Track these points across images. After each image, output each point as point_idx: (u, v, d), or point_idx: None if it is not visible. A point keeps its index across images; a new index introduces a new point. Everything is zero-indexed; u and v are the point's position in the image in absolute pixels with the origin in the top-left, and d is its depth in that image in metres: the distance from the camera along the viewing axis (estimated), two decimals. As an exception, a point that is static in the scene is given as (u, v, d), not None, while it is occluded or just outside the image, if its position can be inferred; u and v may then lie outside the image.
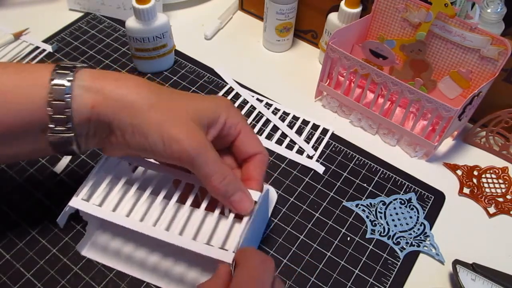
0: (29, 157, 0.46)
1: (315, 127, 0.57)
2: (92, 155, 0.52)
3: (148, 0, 0.55)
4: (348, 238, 0.47)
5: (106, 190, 0.40)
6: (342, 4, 0.58)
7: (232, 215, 0.38)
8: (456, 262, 0.44)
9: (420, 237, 0.48)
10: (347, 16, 0.57)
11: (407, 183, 0.52)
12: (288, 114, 0.58)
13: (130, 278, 0.42)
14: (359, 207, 0.50)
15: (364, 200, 0.50)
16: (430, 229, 0.48)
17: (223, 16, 0.71)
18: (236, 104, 0.59)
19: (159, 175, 0.41)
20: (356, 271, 0.45)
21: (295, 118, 0.58)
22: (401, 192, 0.51)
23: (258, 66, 0.65)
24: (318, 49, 0.66)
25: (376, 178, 0.52)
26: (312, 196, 0.50)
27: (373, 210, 0.49)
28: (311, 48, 0.68)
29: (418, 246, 0.47)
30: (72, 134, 0.35)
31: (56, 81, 0.34)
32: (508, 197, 0.52)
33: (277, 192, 0.50)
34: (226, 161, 0.41)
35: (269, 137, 0.56)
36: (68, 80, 0.34)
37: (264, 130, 0.56)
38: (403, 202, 0.50)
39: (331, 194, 0.51)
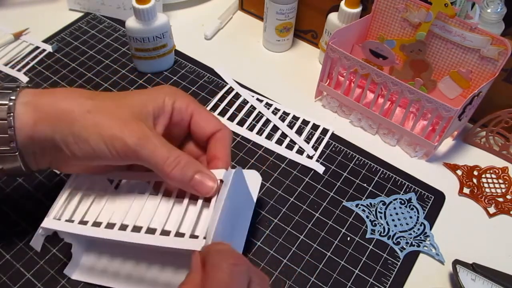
0: None
1: (315, 127, 0.57)
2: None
3: (148, 0, 0.55)
4: (348, 238, 0.47)
5: (77, 205, 0.39)
6: (342, 4, 0.58)
7: (200, 201, 0.36)
8: (456, 262, 0.44)
9: (420, 237, 0.48)
10: (347, 16, 0.57)
11: (407, 183, 0.52)
12: (288, 114, 0.58)
13: (130, 278, 0.42)
14: (359, 207, 0.50)
15: (364, 200, 0.50)
16: (430, 229, 0.48)
17: (223, 16, 0.71)
18: (236, 104, 0.59)
19: (130, 182, 0.40)
20: (356, 271, 0.45)
21: (295, 118, 0.58)
22: (401, 192, 0.51)
23: (258, 66, 0.65)
24: (318, 49, 0.66)
25: (376, 178, 0.52)
26: (312, 196, 0.50)
27: (373, 210, 0.49)
28: (311, 48, 0.68)
29: (418, 246, 0.47)
30: (17, 153, 0.35)
31: None
32: (508, 197, 0.52)
33: (277, 192, 0.50)
34: (189, 150, 0.40)
35: (269, 137, 0.56)
36: (11, 99, 0.34)
37: (264, 130, 0.56)
38: (403, 202, 0.50)
39: (331, 194, 0.51)
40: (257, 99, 0.60)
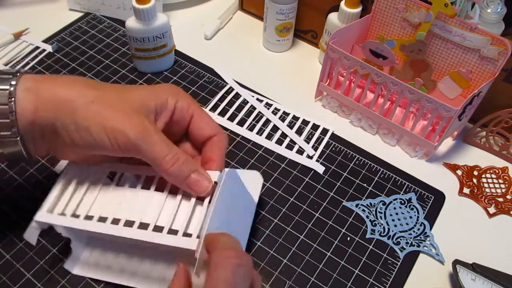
0: None
1: (315, 127, 0.57)
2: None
3: (148, 0, 0.55)
4: (348, 238, 0.47)
5: (70, 198, 0.39)
6: (342, 4, 0.58)
7: (193, 199, 0.36)
8: (456, 262, 0.44)
9: (420, 237, 0.48)
10: (347, 16, 0.57)
11: (407, 183, 0.52)
12: (288, 114, 0.58)
13: (130, 278, 0.42)
14: (359, 207, 0.50)
15: (364, 200, 0.50)
16: (430, 229, 0.48)
17: (223, 16, 0.71)
18: (236, 104, 0.59)
19: (124, 174, 0.40)
20: (356, 271, 0.45)
21: (295, 118, 0.58)
22: (401, 192, 0.51)
23: (258, 66, 0.65)
24: (318, 49, 0.66)
25: (376, 178, 0.52)
26: (312, 196, 0.50)
27: (373, 210, 0.49)
28: (311, 48, 0.68)
29: (418, 246, 0.47)
30: (18, 138, 0.35)
31: None
32: (508, 197, 0.52)
33: (277, 192, 0.50)
34: (185, 149, 0.41)
35: (269, 137, 0.56)
36: (11, 84, 0.34)
37: (264, 130, 0.56)
38: (403, 202, 0.50)
39: (331, 194, 0.51)
40: (257, 99, 0.60)
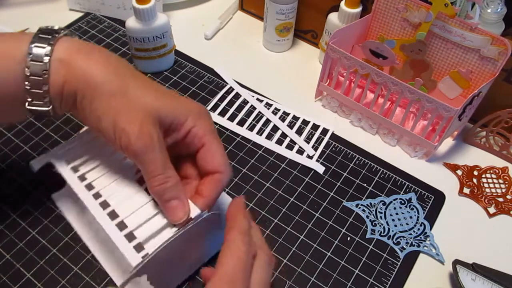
0: (4, 122, 0.45)
1: (315, 127, 0.57)
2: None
3: (148, 0, 0.55)
4: (348, 238, 0.47)
5: (84, 157, 0.41)
6: (342, 4, 0.58)
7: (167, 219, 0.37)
8: (456, 262, 0.44)
9: (420, 237, 0.48)
10: (347, 16, 0.57)
11: (407, 183, 0.52)
12: (288, 114, 0.58)
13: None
14: (359, 207, 0.50)
15: (364, 200, 0.50)
16: (430, 229, 0.48)
17: (223, 16, 0.71)
18: (236, 104, 0.59)
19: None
20: (356, 271, 0.45)
21: (295, 118, 0.58)
22: (401, 192, 0.51)
23: (258, 66, 0.65)
24: (318, 49, 0.66)
25: (376, 178, 0.52)
26: (312, 196, 0.50)
27: (373, 210, 0.49)
28: (311, 48, 0.68)
29: (418, 246, 0.47)
30: (50, 108, 0.35)
31: (34, 55, 0.34)
32: (508, 197, 0.52)
33: (277, 192, 0.50)
34: (186, 170, 0.40)
35: (269, 137, 0.56)
36: (46, 55, 0.34)
37: (264, 130, 0.56)
38: (403, 202, 0.50)
39: (331, 194, 0.51)
40: (257, 99, 0.60)
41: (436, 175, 0.53)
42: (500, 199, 0.52)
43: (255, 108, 0.59)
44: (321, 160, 0.54)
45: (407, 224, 0.49)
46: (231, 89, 0.61)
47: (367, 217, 0.49)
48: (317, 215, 0.49)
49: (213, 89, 0.61)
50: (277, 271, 0.44)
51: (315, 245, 0.46)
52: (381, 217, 0.49)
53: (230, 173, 0.39)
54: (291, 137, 0.56)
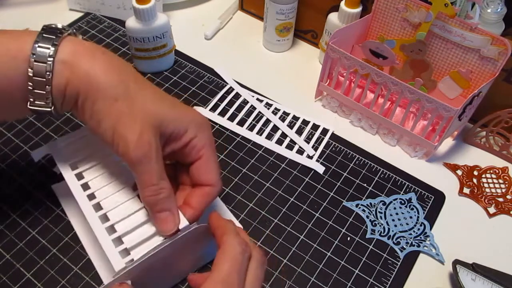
0: (5, 119, 0.45)
1: (315, 127, 0.57)
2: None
3: (148, 0, 0.55)
4: (348, 238, 0.47)
5: (84, 153, 0.41)
6: (342, 4, 0.58)
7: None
8: (456, 262, 0.44)
9: (420, 237, 0.48)
10: (347, 16, 0.57)
11: (407, 183, 0.52)
12: (288, 114, 0.58)
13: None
14: (359, 207, 0.50)
15: (364, 200, 0.50)
16: (430, 229, 0.48)
17: (223, 16, 0.71)
18: (236, 104, 0.59)
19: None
20: (356, 271, 0.45)
21: (295, 118, 0.58)
22: (401, 192, 0.51)
23: (258, 66, 0.65)
24: (318, 49, 0.66)
25: (376, 178, 0.52)
26: (312, 196, 0.50)
27: (373, 210, 0.49)
28: (311, 48, 0.68)
29: (418, 246, 0.47)
30: (52, 108, 0.35)
31: (37, 55, 0.33)
32: (508, 197, 0.52)
33: (277, 192, 0.50)
34: (182, 177, 0.40)
35: (269, 137, 0.56)
36: (50, 55, 0.34)
37: (264, 130, 0.56)
38: (403, 202, 0.50)
39: (331, 194, 0.51)
40: (257, 99, 0.60)
41: (436, 175, 0.53)
42: (500, 199, 0.52)
43: (255, 108, 0.59)
44: (321, 160, 0.54)
45: (407, 224, 0.49)
46: (231, 89, 0.61)
47: (367, 217, 0.49)
48: (317, 215, 0.49)
49: (213, 89, 0.61)
50: (277, 271, 0.44)
51: (315, 245, 0.46)
52: (381, 217, 0.49)
53: (221, 187, 0.39)
54: (291, 137, 0.56)
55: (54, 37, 0.34)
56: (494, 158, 0.56)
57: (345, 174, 0.53)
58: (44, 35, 0.34)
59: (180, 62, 0.64)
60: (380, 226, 0.48)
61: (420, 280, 0.45)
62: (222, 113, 0.58)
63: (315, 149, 0.55)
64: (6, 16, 0.69)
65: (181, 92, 0.60)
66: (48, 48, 0.34)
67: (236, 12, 0.74)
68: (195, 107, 0.58)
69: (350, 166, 0.53)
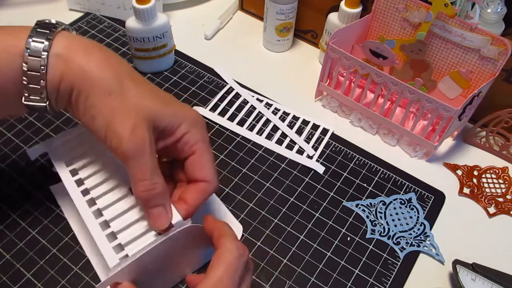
0: (1, 116, 0.45)
1: (315, 127, 0.57)
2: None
3: (148, 0, 0.55)
4: (348, 238, 0.47)
5: (80, 151, 0.41)
6: (342, 4, 0.58)
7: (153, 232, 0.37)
8: (456, 262, 0.44)
9: (420, 237, 0.48)
10: (347, 16, 0.57)
11: (407, 183, 0.52)
12: (288, 114, 0.58)
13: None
14: (359, 207, 0.50)
15: (364, 200, 0.50)
16: (430, 229, 0.48)
17: (223, 16, 0.71)
18: (236, 104, 0.59)
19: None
20: (356, 271, 0.45)
21: (295, 118, 0.58)
22: (401, 192, 0.51)
23: (258, 66, 0.65)
24: (318, 49, 0.66)
25: (376, 178, 0.52)
26: (312, 196, 0.50)
27: (373, 210, 0.49)
28: (311, 48, 0.68)
29: (418, 246, 0.47)
30: (47, 103, 0.35)
31: (32, 50, 0.33)
32: (508, 197, 0.52)
33: (277, 192, 0.50)
34: (179, 175, 0.40)
35: (269, 137, 0.56)
36: (44, 50, 0.33)
37: (264, 130, 0.56)
38: (403, 202, 0.50)
39: (331, 194, 0.51)
40: (257, 99, 0.60)
41: (436, 175, 0.53)
42: (500, 199, 0.52)
43: (255, 108, 0.59)
44: (321, 160, 0.54)
45: (407, 224, 0.49)
46: (231, 89, 0.61)
47: (367, 217, 0.49)
48: (317, 215, 0.49)
49: (213, 89, 0.61)
50: (277, 271, 0.44)
51: (315, 245, 0.46)
52: (381, 217, 0.49)
53: (217, 184, 0.39)
54: (291, 137, 0.56)
55: (48, 31, 0.34)
56: (494, 158, 0.56)
57: (345, 174, 0.53)
58: (38, 30, 0.34)
59: (180, 62, 0.64)
60: (380, 226, 0.48)
61: (420, 280, 0.45)
62: (222, 113, 0.58)
63: (315, 149, 0.55)
64: (6, 16, 0.69)
65: (181, 92, 0.60)
66: (42, 43, 0.34)
67: (236, 12, 0.74)
68: (195, 107, 0.58)
69: (350, 166, 0.53)
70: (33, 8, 0.71)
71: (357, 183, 0.52)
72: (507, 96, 0.53)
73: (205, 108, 0.58)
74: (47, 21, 0.36)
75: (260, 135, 0.56)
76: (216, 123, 0.57)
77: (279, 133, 0.56)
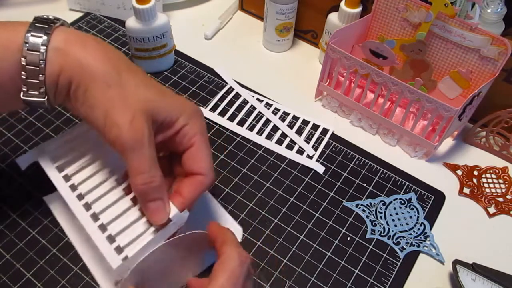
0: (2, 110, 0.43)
1: (315, 127, 0.57)
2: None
3: (148, 0, 0.55)
4: (348, 238, 0.47)
5: (72, 156, 0.40)
6: (342, 4, 0.58)
7: (152, 228, 0.36)
8: (456, 262, 0.44)
9: (420, 237, 0.48)
10: (347, 16, 0.57)
11: (407, 183, 0.52)
12: (288, 114, 0.58)
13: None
14: (359, 207, 0.50)
15: (364, 200, 0.50)
16: (430, 229, 0.48)
17: (223, 16, 0.71)
18: (236, 104, 0.59)
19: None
20: (356, 271, 0.45)
21: (295, 118, 0.58)
22: (401, 192, 0.51)
23: (258, 66, 0.65)
24: (318, 49, 0.66)
25: (376, 178, 0.52)
26: (312, 196, 0.50)
27: (373, 210, 0.49)
28: (311, 48, 0.68)
29: (418, 246, 0.47)
30: (46, 98, 0.35)
31: (30, 44, 0.33)
32: (508, 197, 0.52)
33: (277, 192, 0.50)
34: (177, 170, 0.40)
35: (269, 137, 0.56)
36: (43, 44, 0.33)
37: (264, 130, 0.56)
38: (403, 202, 0.50)
39: (331, 194, 0.51)
40: (257, 99, 0.60)
41: (436, 175, 0.53)
42: (500, 199, 0.52)
43: (255, 108, 0.59)
44: (321, 160, 0.54)
45: (407, 224, 0.49)
46: (231, 89, 0.61)
47: (367, 217, 0.49)
48: (317, 215, 0.49)
49: (213, 89, 0.61)
50: (277, 271, 0.44)
51: (315, 245, 0.46)
52: (381, 217, 0.49)
53: (213, 177, 0.38)
54: (291, 137, 0.56)
55: (46, 26, 0.34)
56: (494, 158, 0.56)
57: (345, 174, 0.53)
58: (36, 24, 0.34)
59: (180, 62, 0.64)
60: (380, 226, 0.48)
61: (420, 280, 0.45)
62: (222, 113, 0.58)
63: (315, 149, 0.55)
64: (6, 16, 0.69)
65: (181, 92, 0.60)
66: (41, 37, 0.33)
67: (236, 12, 0.74)
68: (195, 107, 0.58)
69: (350, 166, 0.53)
70: (33, 8, 0.71)
71: (357, 183, 0.52)
72: (507, 96, 0.53)
73: (205, 108, 0.58)
74: (44, 16, 0.36)
75: (260, 135, 0.56)
76: (216, 123, 0.57)
77: (279, 133, 0.56)
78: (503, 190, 0.52)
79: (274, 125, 0.57)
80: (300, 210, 0.49)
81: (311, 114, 0.59)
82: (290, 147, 0.55)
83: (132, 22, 0.56)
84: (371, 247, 0.47)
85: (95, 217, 0.37)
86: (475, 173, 0.54)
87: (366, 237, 0.47)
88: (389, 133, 0.56)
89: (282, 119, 0.58)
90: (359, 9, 0.57)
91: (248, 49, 0.68)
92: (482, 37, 0.49)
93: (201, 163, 0.38)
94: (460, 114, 0.49)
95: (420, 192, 0.51)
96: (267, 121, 0.58)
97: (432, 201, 0.51)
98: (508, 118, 0.52)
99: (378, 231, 0.48)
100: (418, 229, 0.48)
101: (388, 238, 0.47)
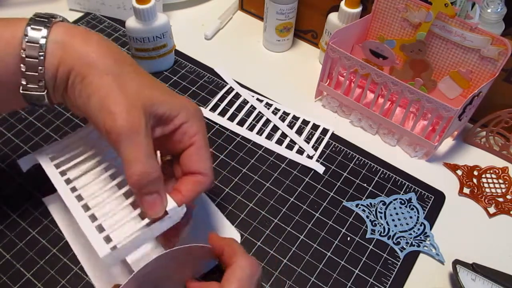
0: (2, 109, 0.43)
1: (315, 127, 0.57)
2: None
3: (148, 0, 0.55)
4: (348, 238, 0.47)
5: (73, 159, 0.40)
6: (342, 4, 0.58)
7: (146, 220, 0.36)
8: (456, 262, 0.44)
9: (420, 237, 0.48)
10: (347, 16, 0.57)
11: (407, 183, 0.52)
12: (288, 114, 0.58)
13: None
14: (359, 207, 0.50)
15: (364, 200, 0.50)
16: (430, 229, 0.48)
17: (223, 16, 0.71)
18: (236, 104, 0.59)
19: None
20: (356, 271, 0.45)
21: (295, 118, 0.58)
22: (401, 192, 0.51)
23: (258, 66, 0.65)
24: (318, 49, 0.66)
25: (376, 178, 0.52)
26: (312, 196, 0.50)
27: (373, 210, 0.49)
28: (311, 48, 0.68)
29: (418, 246, 0.47)
30: (45, 92, 0.34)
31: (30, 37, 0.33)
32: (508, 197, 0.52)
33: (277, 192, 0.50)
34: (174, 169, 0.39)
35: (269, 137, 0.56)
36: (42, 37, 0.33)
37: (264, 130, 0.56)
38: (403, 202, 0.50)
39: (331, 194, 0.51)
40: (257, 99, 0.60)
41: (436, 175, 0.53)
42: (500, 199, 0.52)
43: (255, 108, 0.59)
44: (321, 160, 0.54)
45: (407, 224, 0.49)
46: (231, 89, 0.61)
47: (367, 217, 0.49)
48: (317, 215, 0.49)
49: (213, 89, 0.61)
50: (277, 271, 0.44)
51: (315, 245, 0.46)
52: (381, 217, 0.49)
53: (212, 178, 0.38)
54: (291, 137, 0.56)
55: (46, 20, 0.34)
56: (494, 158, 0.56)
57: (345, 174, 0.53)
58: (36, 19, 0.34)
59: (180, 62, 0.64)
60: (380, 226, 0.48)
61: (420, 280, 0.45)
62: (222, 113, 0.58)
63: (315, 149, 0.55)
64: (6, 16, 0.69)
65: (181, 92, 0.60)
66: (40, 30, 0.33)
67: (236, 12, 0.74)
68: (195, 107, 0.58)
69: (350, 166, 0.53)
70: (33, 8, 0.71)
71: (357, 183, 0.52)
72: (507, 96, 0.53)
73: (205, 108, 0.58)
74: (44, 13, 0.36)
75: (260, 135, 0.56)
76: (216, 123, 0.57)
77: (279, 133, 0.56)
78: (503, 190, 0.52)
79: (274, 125, 0.57)
80: (300, 210, 0.49)
81: (311, 114, 0.59)
82: (290, 147, 0.55)
83: (132, 22, 0.56)
84: (371, 247, 0.47)
85: (93, 217, 0.37)
86: (475, 173, 0.54)
87: (366, 237, 0.47)
88: (389, 133, 0.56)
89: (282, 119, 0.58)
90: (359, 9, 0.57)
91: (248, 49, 0.68)
92: (482, 37, 0.49)
93: (201, 163, 0.37)
94: (460, 114, 0.49)
95: (420, 192, 0.51)
96: (267, 121, 0.58)
97: (432, 201, 0.51)
98: (508, 118, 0.52)
99: (378, 231, 0.48)
100: (418, 229, 0.48)
101: (388, 238, 0.47)
